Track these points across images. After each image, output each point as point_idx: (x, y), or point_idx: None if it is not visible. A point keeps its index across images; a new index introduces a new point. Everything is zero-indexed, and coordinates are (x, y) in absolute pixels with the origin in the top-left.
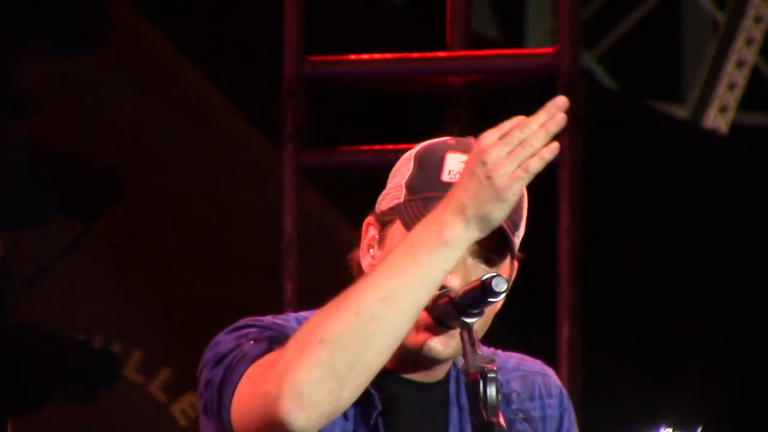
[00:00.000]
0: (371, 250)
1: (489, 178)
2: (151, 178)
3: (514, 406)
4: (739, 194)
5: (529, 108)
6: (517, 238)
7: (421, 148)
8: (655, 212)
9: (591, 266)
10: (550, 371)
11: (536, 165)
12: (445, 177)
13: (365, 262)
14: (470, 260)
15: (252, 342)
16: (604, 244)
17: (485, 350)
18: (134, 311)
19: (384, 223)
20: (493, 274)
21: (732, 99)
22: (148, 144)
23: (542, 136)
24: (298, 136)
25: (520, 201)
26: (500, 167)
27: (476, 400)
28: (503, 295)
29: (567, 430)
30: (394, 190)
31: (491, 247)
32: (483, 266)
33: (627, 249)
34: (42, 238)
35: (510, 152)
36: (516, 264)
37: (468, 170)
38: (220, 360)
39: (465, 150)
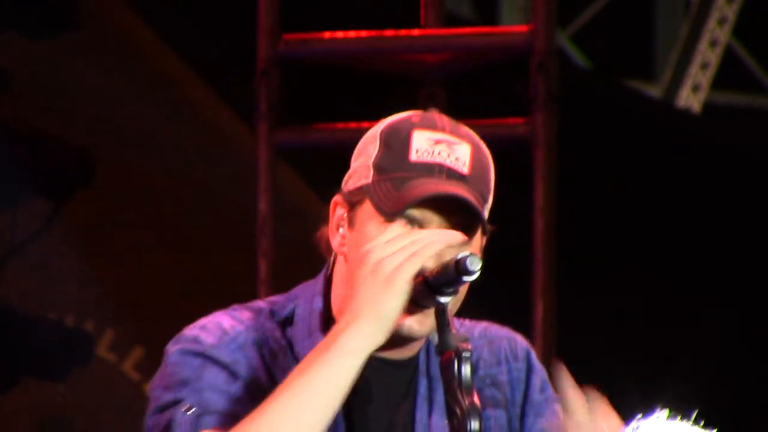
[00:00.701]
0: (340, 230)
1: (374, 272)
2: (123, 158)
3: (481, 373)
4: (712, 172)
5: (503, 85)
6: (486, 211)
7: (386, 126)
8: (628, 190)
9: (565, 245)
10: (517, 336)
11: (427, 252)
12: (413, 157)
13: (335, 242)
14: None
15: (184, 410)
16: (578, 223)
17: (454, 322)
18: (106, 291)
19: (352, 204)
20: (467, 253)
21: (705, 78)
22: (121, 125)
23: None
24: (272, 116)
25: (487, 172)
26: (384, 260)
27: (451, 379)
28: (477, 273)
29: (536, 389)
30: (361, 170)
31: (461, 223)
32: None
33: (601, 227)
34: (13, 219)
35: (396, 249)
36: (485, 237)
37: (357, 278)
38: (161, 409)
39: (430, 126)
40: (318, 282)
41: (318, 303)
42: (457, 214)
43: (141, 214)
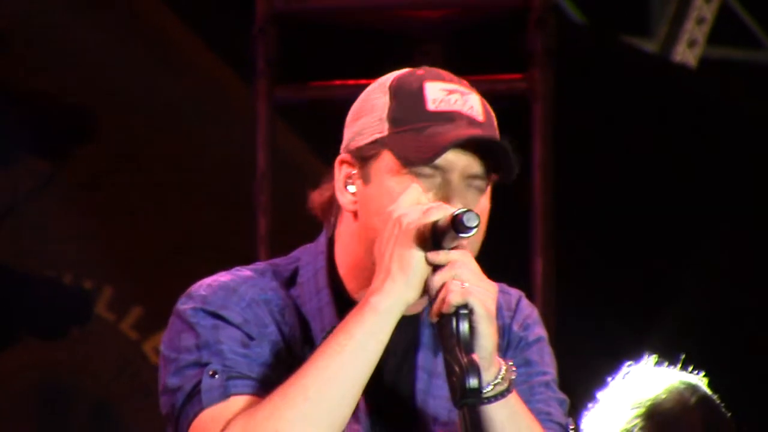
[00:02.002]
0: (349, 187)
1: (400, 229)
2: (121, 117)
3: None
4: (709, 127)
5: (500, 41)
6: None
7: (393, 80)
8: (625, 145)
9: (563, 199)
10: (513, 290)
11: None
12: (431, 106)
13: (344, 200)
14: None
15: (210, 374)
16: (575, 177)
17: None
18: (104, 250)
19: (365, 159)
20: (464, 209)
21: (701, 33)
22: (118, 83)
23: None
24: (270, 73)
25: (495, 122)
26: (407, 216)
27: (449, 336)
28: (475, 230)
29: (518, 325)
30: (372, 125)
31: (485, 168)
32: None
33: (598, 182)
34: (11, 178)
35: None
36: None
37: (382, 237)
38: (179, 370)
39: (439, 78)
40: (320, 242)
41: (321, 261)
42: (479, 159)
43: (139, 172)
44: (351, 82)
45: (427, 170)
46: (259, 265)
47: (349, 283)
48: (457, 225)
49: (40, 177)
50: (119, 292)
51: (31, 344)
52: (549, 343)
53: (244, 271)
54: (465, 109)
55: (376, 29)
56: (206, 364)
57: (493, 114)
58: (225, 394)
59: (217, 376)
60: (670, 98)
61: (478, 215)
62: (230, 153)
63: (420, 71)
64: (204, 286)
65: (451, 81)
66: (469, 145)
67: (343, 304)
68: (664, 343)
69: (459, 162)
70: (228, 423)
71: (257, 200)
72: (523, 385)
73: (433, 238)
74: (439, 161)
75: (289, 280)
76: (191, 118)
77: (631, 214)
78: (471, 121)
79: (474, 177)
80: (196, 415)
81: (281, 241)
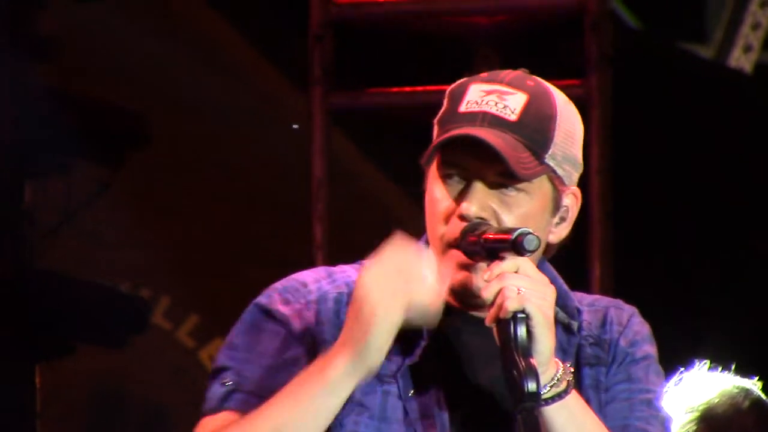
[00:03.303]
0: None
1: (361, 307)
2: (176, 124)
3: (584, 333)
4: (764, 132)
5: (557, 47)
6: (550, 159)
7: (455, 84)
8: (681, 150)
9: (620, 204)
10: (627, 306)
11: (417, 287)
12: (462, 108)
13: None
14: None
15: (222, 382)
16: (632, 183)
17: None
18: (161, 258)
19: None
20: (527, 230)
21: (756, 39)
22: (173, 90)
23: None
24: (326, 80)
25: (546, 120)
26: (372, 295)
27: (507, 341)
28: (533, 253)
29: (627, 341)
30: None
31: (501, 167)
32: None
33: (655, 188)
34: (67, 186)
35: (386, 283)
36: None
37: (349, 310)
38: (213, 373)
39: (489, 80)
40: (421, 241)
41: None
42: (494, 158)
43: (195, 180)
44: (407, 88)
45: (450, 172)
46: (354, 265)
47: None
48: (516, 247)
49: (95, 184)
50: (176, 301)
51: (88, 352)
52: (658, 362)
53: (340, 267)
54: (494, 109)
55: (432, 36)
56: (224, 369)
57: (547, 113)
58: (219, 408)
59: (226, 385)
60: (726, 103)
61: (538, 237)
62: (286, 160)
63: (483, 74)
64: (285, 278)
65: (500, 82)
66: (478, 145)
67: None
68: (718, 347)
69: (471, 164)
70: None
71: (314, 208)
72: (624, 402)
73: (487, 250)
74: (454, 160)
75: None
76: (247, 125)
77: (687, 219)
78: (495, 121)
79: (491, 179)
80: (200, 418)
81: (338, 248)
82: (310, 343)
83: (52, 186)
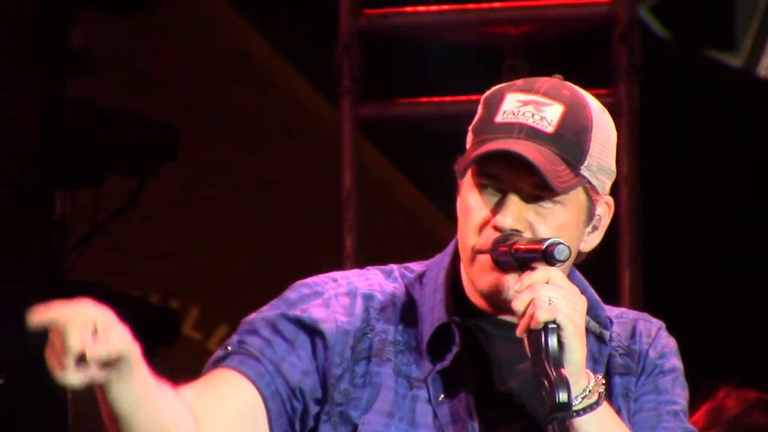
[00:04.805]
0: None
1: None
2: (205, 134)
3: (613, 344)
4: None
5: (585, 57)
6: (586, 170)
7: (490, 91)
8: (710, 159)
9: (649, 212)
10: (655, 320)
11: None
12: (498, 118)
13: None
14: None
15: (224, 348)
16: (661, 191)
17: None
18: (190, 269)
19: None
20: (558, 240)
21: None
22: (202, 100)
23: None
24: (355, 90)
25: (582, 132)
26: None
27: (538, 351)
28: (563, 263)
29: (656, 352)
30: (469, 135)
31: (537, 180)
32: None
33: (684, 196)
34: (97, 197)
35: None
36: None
37: None
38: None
39: (525, 89)
40: (451, 245)
41: (446, 262)
42: (530, 170)
43: (224, 189)
44: (435, 99)
45: (485, 182)
46: (394, 265)
47: (466, 285)
48: (547, 257)
49: (125, 195)
50: (206, 312)
51: None
52: (684, 376)
53: (371, 268)
54: (531, 121)
55: (461, 46)
56: (235, 337)
57: (583, 124)
58: (215, 365)
59: (227, 349)
60: (755, 112)
61: (568, 247)
62: (315, 170)
63: (519, 82)
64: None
65: (536, 92)
66: (516, 159)
67: (459, 302)
68: (747, 359)
69: (506, 175)
70: None
71: (343, 218)
72: (651, 412)
73: (518, 261)
74: (490, 172)
75: (415, 282)
76: (276, 136)
77: (715, 228)
78: (531, 133)
79: (526, 191)
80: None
81: (368, 258)
82: (327, 326)
83: (83, 197)
